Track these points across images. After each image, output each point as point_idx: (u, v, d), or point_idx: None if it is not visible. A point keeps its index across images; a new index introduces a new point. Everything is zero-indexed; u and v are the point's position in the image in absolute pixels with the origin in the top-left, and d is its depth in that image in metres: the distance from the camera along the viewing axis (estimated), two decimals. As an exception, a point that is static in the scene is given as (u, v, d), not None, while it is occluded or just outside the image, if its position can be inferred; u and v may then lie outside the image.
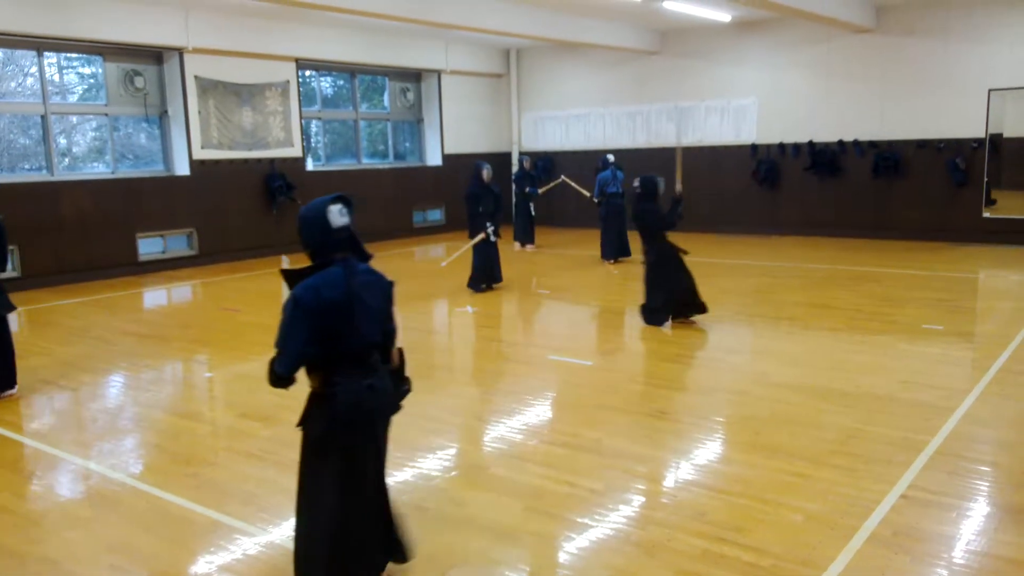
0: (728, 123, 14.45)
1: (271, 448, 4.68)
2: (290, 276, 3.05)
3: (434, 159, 16.11)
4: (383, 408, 3.15)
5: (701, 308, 7.52)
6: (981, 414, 4.96)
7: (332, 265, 3.01)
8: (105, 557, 3.50)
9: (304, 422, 3.13)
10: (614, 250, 11.56)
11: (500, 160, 17.09)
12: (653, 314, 7.58)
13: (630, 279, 10.30)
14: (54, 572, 3.38)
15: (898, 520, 3.59)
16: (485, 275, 9.50)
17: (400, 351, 3.26)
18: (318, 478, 3.08)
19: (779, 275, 10.32)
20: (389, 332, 3.19)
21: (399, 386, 3.25)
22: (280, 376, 3.01)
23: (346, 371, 3.02)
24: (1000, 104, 12.08)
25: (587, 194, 12.38)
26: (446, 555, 3.40)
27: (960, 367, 6.15)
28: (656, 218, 7.52)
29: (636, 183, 7.66)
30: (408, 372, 3.29)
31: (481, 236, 9.27)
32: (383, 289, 3.15)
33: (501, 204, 9.51)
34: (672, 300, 7.49)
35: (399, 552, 3.26)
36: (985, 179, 12.23)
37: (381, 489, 3.21)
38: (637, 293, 9.38)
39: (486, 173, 9.31)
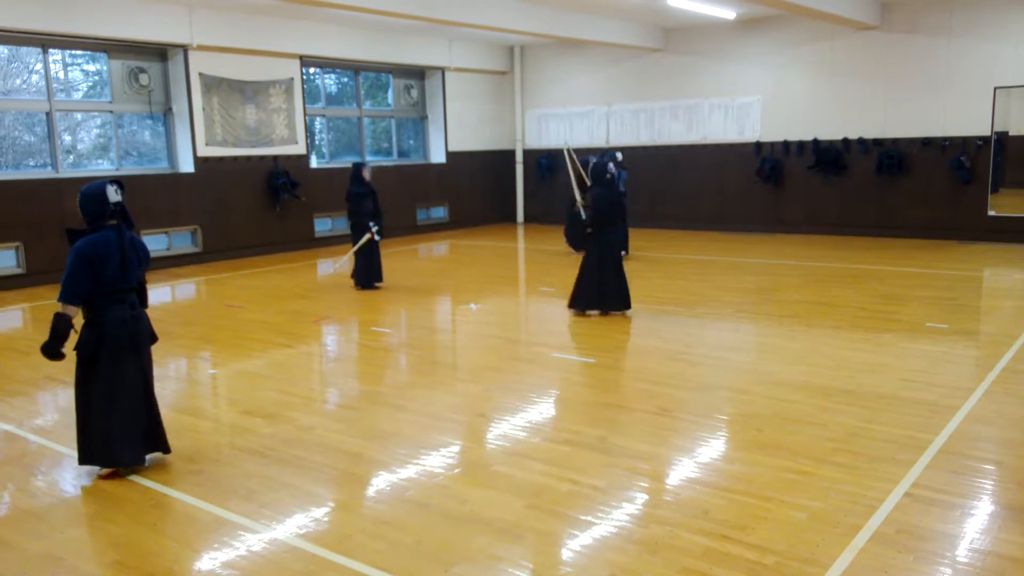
0: (732, 121, 14.42)
1: (274, 445, 4.69)
2: (72, 235, 4.15)
3: (438, 156, 16.11)
4: (143, 334, 4.35)
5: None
6: (985, 413, 4.95)
7: (106, 229, 4.15)
8: (109, 553, 3.51)
9: (79, 346, 4.19)
10: None
11: (504, 157, 17.09)
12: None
13: (633, 276, 10.29)
14: (58, 568, 3.39)
15: (901, 518, 3.59)
16: (367, 274, 9.54)
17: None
18: (91, 386, 4.22)
19: (782, 273, 10.30)
20: (143, 282, 4.40)
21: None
22: (63, 304, 4.12)
23: (111, 306, 4.19)
24: (1006, 102, 12.04)
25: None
26: (449, 552, 3.41)
27: (964, 366, 6.13)
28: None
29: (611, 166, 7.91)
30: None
31: (367, 237, 9.40)
32: (143, 251, 4.34)
33: (378, 203, 9.58)
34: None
35: (163, 446, 4.44)
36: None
37: (148, 395, 4.36)
38: (640, 291, 9.38)
39: (367, 173, 9.40)
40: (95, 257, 4.08)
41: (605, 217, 7.76)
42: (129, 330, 4.24)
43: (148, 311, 4.47)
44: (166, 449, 4.46)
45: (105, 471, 4.30)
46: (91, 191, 4.13)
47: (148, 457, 4.44)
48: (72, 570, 3.37)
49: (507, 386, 5.93)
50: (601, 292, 7.85)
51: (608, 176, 7.80)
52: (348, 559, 3.37)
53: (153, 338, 4.46)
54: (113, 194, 4.14)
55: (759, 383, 5.70)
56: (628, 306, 7.94)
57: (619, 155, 11.59)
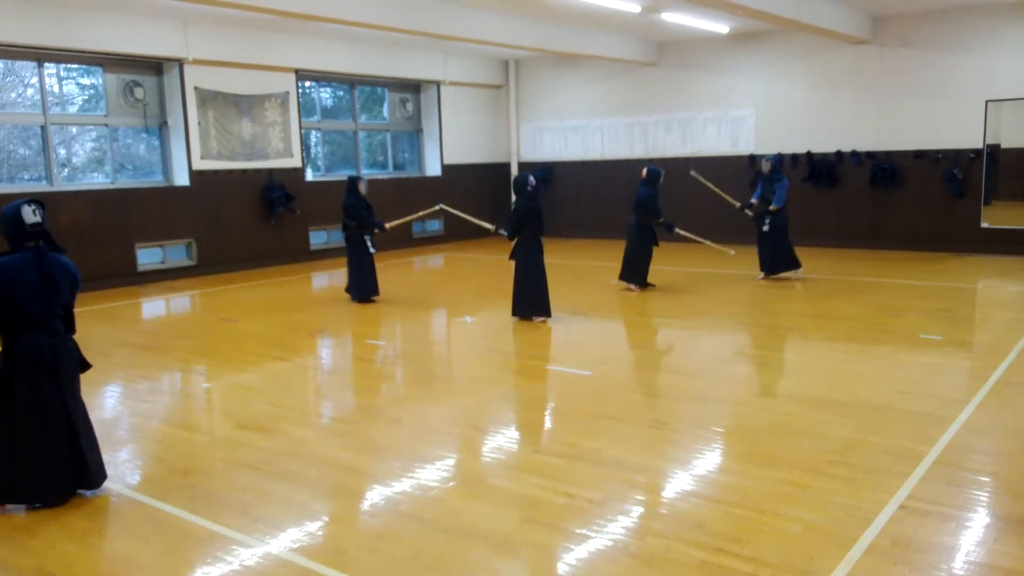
0: (726, 134, 14.50)
1: (268, 459, 4.67)
2: None
3: (433, 169, 16.15)
4: (65, 363, 4.08)
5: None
6: (980, 424, 4.96)
7: (24, 251, 3.96)
8: (102, 568, 3.48)
9: None
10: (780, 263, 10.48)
11: (500, 170, 17.12)
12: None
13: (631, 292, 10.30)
14: (50, 584, 3.37)
15: (897, 530, 3.59)
16: (365, 288, 9.54)
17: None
18: (7, 417, 3.99)
19: (777, 285, 10.32)
20: (69, 307, 4.13)
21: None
22: None
23: (30, 330, 3.97)
24: (997, 114, 12.13)
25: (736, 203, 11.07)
26: (444, 565, 3.39)
27: (959, 377, 6.14)
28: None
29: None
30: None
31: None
32: (69, 275, 4.10)
33: (374, 216, 9.68)
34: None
35: (86, 479, 4.15)
36: None
37: (71, 428, 4.08)
38: (635, 303, 9.39)
39: (363, 186, 9.55)
40: (4, 280, 3.87)
41: (523, 227, 8.04)
42: (47, 358, 3.99)
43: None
44: (91, 485, 4.16)
45: (18, 508, 4.03)
46: (6, 212, 3.97)
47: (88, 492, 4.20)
48: (64, 586, 3.35)
49: (502, 399, 5.92)
50: (530, 296, 8.11)
51: (529, 189, 8.01)
52: (343, 573, 3.35)
53: (84, 365, 4.24)
54: (30, 215, 3.94)
55: (755, 395, 5.70)
56: (548, 314, 8.21)
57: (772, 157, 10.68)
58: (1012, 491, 4.01)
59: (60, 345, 4.08)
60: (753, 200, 10.68)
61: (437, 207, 10.71)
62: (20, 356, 3.96)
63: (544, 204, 13.72)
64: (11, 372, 3.95)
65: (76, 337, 4.25)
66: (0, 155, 11.11)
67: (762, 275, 10.51)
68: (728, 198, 11.16)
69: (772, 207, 10.27)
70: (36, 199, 4.05)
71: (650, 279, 10.07)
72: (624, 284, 10.01)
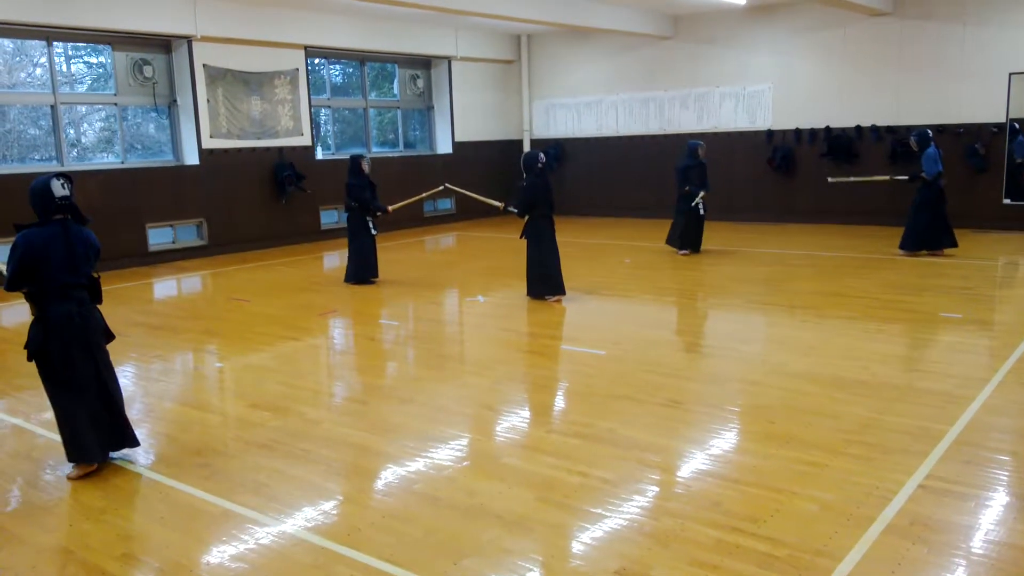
0: (743, 109, 14.31)
1: (281, 438, 4.67)
2: (19, 226, 4.12)
3: (444, 147, 16.05)
4: (92, 331, 4.25)
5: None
6: (999, 403, 4.89)
7: (51, 224, 4.09)
8: (118, 547, 3.50)
9: (27, 343, 4.15)
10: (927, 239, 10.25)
11: (512, 148, 17.01)
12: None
13: (643, 267, 10.24)
14: (68, 562, 3.39)
15: (915, 510, 3.54)
16: (364, 269, 9.48)
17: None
18: (49, 384, 4.23)
19: (793, 263, 10.22)
20: (94, 279, 4.26)
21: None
22: (6, 288, 4.18)
23: (56, 301, 4.10)
24: (1021, 88, 11.88)
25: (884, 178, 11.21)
26: (458, 545, 3.38)
27: (978, 356, 6.06)
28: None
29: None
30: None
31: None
32: (92, 248, 4.25)
33: (377, 196, 9.64)
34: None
35: (129, 441, 4.43)
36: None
37: (105, 393, 4.29)
38: (649, 281, 9.32)
39: (366, 165, 9.42)
40: (31, 250, 4.01)
41: (533, 205, 8.00)
42: (76, 327, 4.16)
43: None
44: (133, 443, 4.46)
45: (74, 472, 4.22)
46: (36, 186, 4.08)
47: (118, 454, 4.44)
48: (82, 564, 3.36)
49: (516, 378, 5.90)
50: (543, 276, 8.11)
51: (539, 166, 7.98)
52: (357, 552, 3.35)
53: (108, 336, 4.41)
54: (59, 188, 4.07)
55: (771, 374, 5.64)
56: (563, 292, 8.21)
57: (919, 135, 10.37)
58: (1033, 471, 3.96)
59: (87, 314, 4.23)
60: (921, 175, 10.40)
61: (441, 187, 10.65)
62: (51, 326, 4.10)
63: (557, 182, 13.67)
64: (44, 341, 4.11)
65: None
66: (10, 136, 11.12)
67: (901, 252, 10.37)
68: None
69: (922, 174, 10.19)
70: (65, 174, 4.16)
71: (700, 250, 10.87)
72: (679, 249, 10.99)
